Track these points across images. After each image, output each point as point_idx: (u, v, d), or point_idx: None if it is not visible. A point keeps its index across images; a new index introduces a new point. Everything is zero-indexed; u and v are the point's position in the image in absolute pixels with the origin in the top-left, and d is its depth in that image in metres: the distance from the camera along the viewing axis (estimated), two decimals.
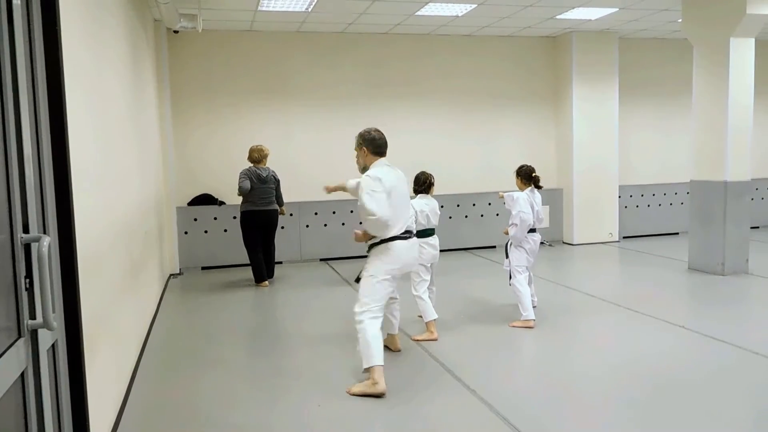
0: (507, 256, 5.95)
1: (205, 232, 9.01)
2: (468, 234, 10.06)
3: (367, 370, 4.26)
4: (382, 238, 4.34)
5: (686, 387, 4.23)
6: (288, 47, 9.42)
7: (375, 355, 4.23)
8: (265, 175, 7.58)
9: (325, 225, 9.47)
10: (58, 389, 2.46)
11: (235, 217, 8.99)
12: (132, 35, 5.80)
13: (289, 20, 8.63)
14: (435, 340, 5.35)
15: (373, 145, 4.50)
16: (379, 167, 4.42)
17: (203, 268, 9.02)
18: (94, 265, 3.36)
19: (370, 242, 4.43)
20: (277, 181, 7.79)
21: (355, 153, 4.59)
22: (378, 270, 4.34)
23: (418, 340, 5.37)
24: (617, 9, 8.56)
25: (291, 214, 9.18)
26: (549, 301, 6.62)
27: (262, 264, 7.74)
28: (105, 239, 3.78)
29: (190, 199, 9.10)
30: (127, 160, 5.01)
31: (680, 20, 8.31)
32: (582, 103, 10.21)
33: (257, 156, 7.61)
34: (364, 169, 4.52)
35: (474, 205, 10.09)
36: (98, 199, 3.64)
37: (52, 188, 2.59)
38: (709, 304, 6.63)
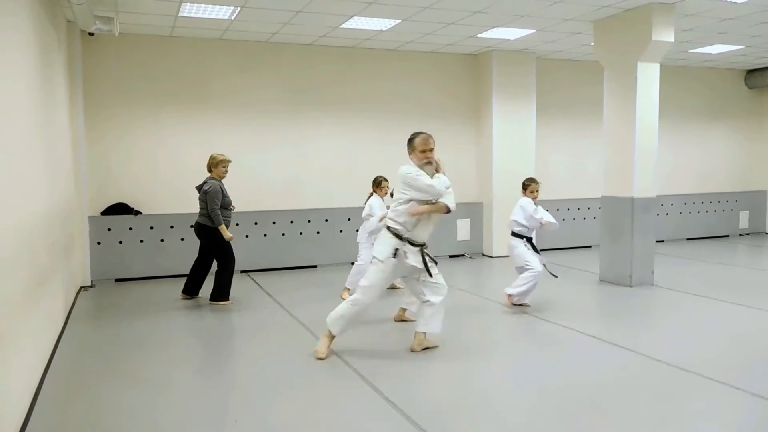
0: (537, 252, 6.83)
1: (120, 242, 8.66)
2: None
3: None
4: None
5: (593, 393, 4.40)
6: (210, 54, 9.24)
7: None
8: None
9: (247, 236, 9.30)
10: None
11: (152, 227, 8.71)
12: (41, 35, 5.53)
13: (211, 27, 8.47)
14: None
15: None
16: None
17: (117, 280, 8.65)
18: None
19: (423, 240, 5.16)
20: (205, 192, 7.12)
21: (432, 150, 5.30)
22: None
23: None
24: (534, 30, 8.90)
25: None
26: (466, 311, 6.75)
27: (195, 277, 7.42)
28: (6, 246, 3.57)
29: (103, 209, 8.73)
30: (32, 164, 4.76)
31: (592, 44, 8.73)
32: (502, 120, 10.52)
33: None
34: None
35: None
36: None
37: None
38: (617, 315, 6.94)
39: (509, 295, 6.86)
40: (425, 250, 5.25)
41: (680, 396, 4.40)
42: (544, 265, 6.78)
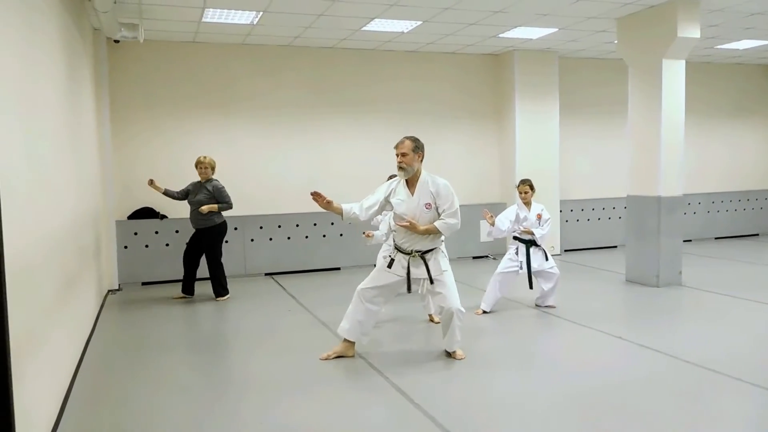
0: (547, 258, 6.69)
1: (146, 246, 8.78)
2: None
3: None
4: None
5: (622, 394, 4.35)
6: (232, 59, 9.33)
7: None
8: None
9: (270, 239, 9.37)
10: None
11: (177, 231, 8.81)
12: (69, 43, 5.63)
13: (233, 32, 8.56)
14: None
15: (424, 153, 5.05)
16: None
17: (143, 284, 8.77)
18: (25, 279, 3.22)
19: (433, 246, 5.00)
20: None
21: (404, 157, 4.94)
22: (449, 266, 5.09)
23: None
24: (557, 29, 8.83)
25: (236, 228, 9.06)
26: (490, 313, 6.72)
27: None
28: (37, 253, 3.64)
29: (130, 213, 8.85)
30: (61, 170, 4.85)
31: (616, 41, 8.65)
32: (524, 120, 10.46)
33: (215, 166, 7.67)
34: (410, 173, 4.96)
35: None
36: (29, 211, 3.50)
37: None
38: (644, 316, 6.84)
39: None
40: (426, 258, 5.03)
41: (710, 397, 4.33)
42: (518, 268, 6.67)
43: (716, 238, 12.42)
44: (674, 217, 8.05)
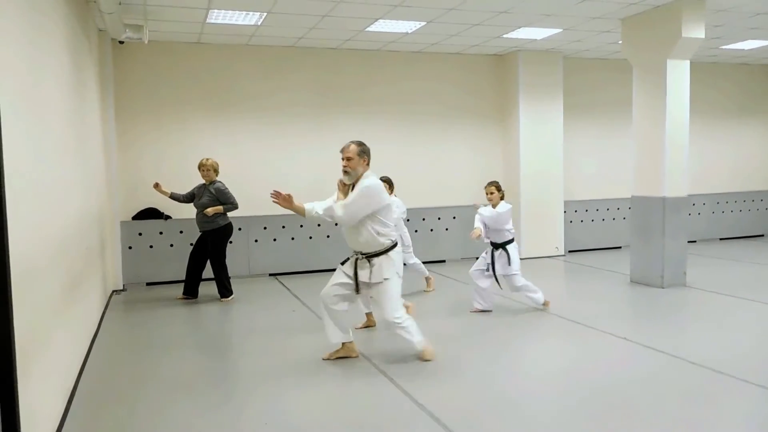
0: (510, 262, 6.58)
1: (150, 246, 8.80)
2: (417, 248, 10.08)
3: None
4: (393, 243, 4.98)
5: (625, 395, 4.34)
6: (237, 60, 9.35)
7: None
8: None
9: (275, 239, 9.38)
10: None
11: (182, 231, 8.82)
12: (74, 44, 5.65)
13: (238, 33, 8.57)
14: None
15: (370, 157, 5.03)
16: (376, 178, 4.98)
17: (148, 284, 8.79)
18: (30, 280, 3.24)
19: (373, 249, 4.91)
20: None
21: (349, 161, 4.90)
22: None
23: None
24: (561, 30, 8.82)
25: (240, 229, 9.07)
26: (494, 313, 6.72)
27: None
28: (42, 254, 3.65)
29: (134, 213, 8.87)
30: (67, 171, 4.86)
31: (620, 42, 8.63)
32: (528, 121, 10.45)
33: (218, 169, 7.65)
34: (353, 177, 4.92)
35: (423, 219, 10.18)
36: (34, 211, 3.51)
37: None
38: (649, 317, 6.83)
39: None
40: (372, 262, 4.96)
41: (714, 398, 4.31)
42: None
43: (721, 239, 12.38)
44: (679, 218, 8.02)
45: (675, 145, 7.92)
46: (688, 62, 7.92)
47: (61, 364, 4.23)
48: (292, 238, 9.47)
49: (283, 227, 9.43)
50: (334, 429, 3.91)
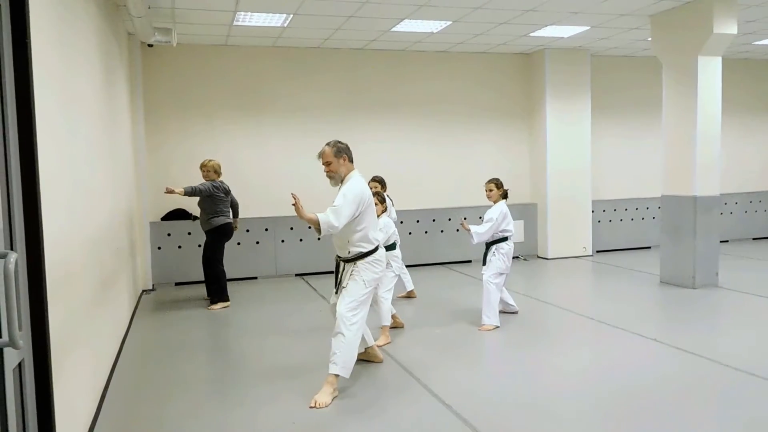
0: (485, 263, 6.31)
1: (179, 247, 8.90)
2: (443, 248, 10.08)
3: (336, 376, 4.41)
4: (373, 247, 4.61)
5: (658, 399, 4.27)
6: (263, 62, 9.42)
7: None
8: (226, 188, 7.53)
9: (301, 240, 9.43)
10: (24, 409, 2.40)
11: None
12: (105, 47, 5.74)
13: (264, 35, 8.63)
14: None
15: (350, 154, 4.71)
16: (360, 178, 4.67)
17: (177, 284, 8.90)
18: (64, 281, 3.29)
19: (347, 254, 4.61)
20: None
21: (329, 165, 4.67)
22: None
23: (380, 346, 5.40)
24: (589, 27, 8.72)
25: (266, 229, 9.14)
26: (523, 314, 6.66)
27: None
28: (75, 254, 3.71)
29: (163, 214, 8.99)
30: (99, 173, 4.94)
31: (649, 39, 8.49)
32: (555, 119, 10.35)
33: (219, 170, 7.53)
34: (338, 179, 4.65)
35: (449, 219, 10.13)
36: (69, 214, 3.57)
37: (20, 203, 2.53)
38: (680, 318, 6.72)
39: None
40: (343, 264, 4.72)
41: (748, 401, 4.22)
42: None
43: (754, 239, 12.12)
44: (710, 217, 7.88)
45: (707, 144, 7.77)
46: (719, 59, 7.76)
47: (95, 361, 4.30)
48: (318, 239, 9.49)
49: (310, 228, 9.44)
50: (359, 428, 3.91)
